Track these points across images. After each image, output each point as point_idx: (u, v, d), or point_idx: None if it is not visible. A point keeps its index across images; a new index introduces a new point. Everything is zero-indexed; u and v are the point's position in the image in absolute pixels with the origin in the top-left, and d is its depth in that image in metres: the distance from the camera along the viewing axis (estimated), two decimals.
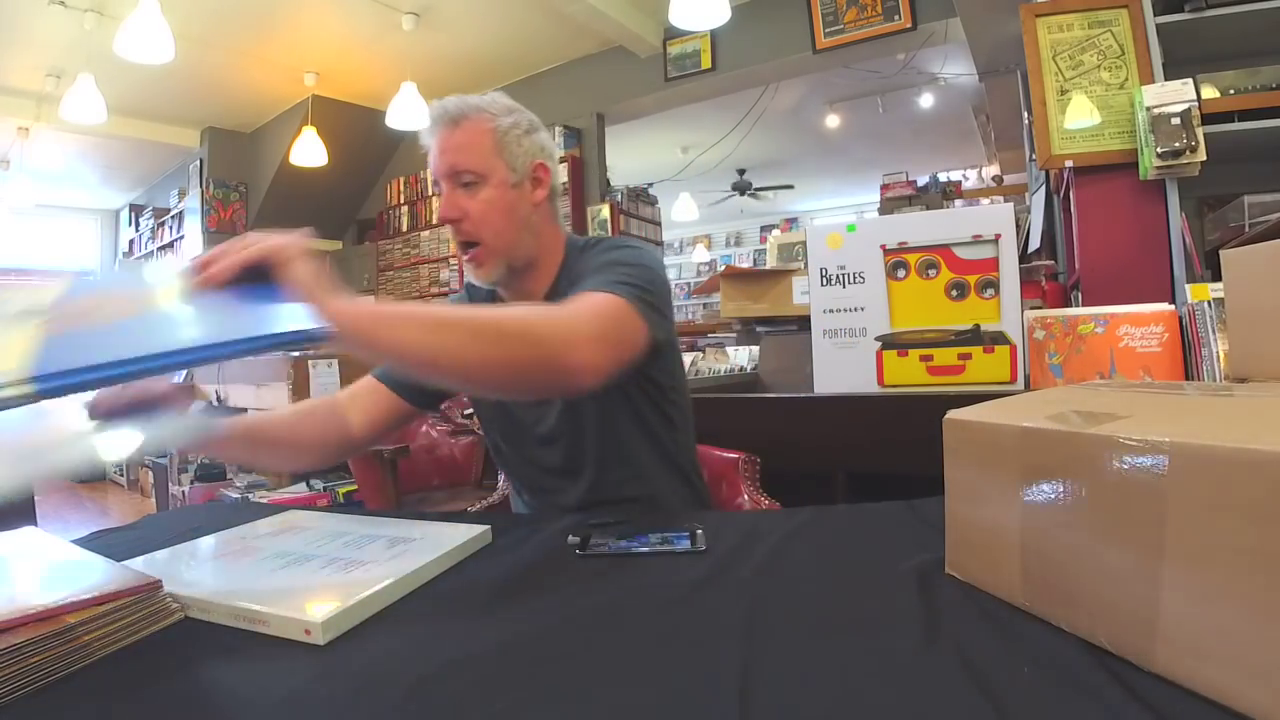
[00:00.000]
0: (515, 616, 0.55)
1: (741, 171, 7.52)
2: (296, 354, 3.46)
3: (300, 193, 5.70)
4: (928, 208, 3.55)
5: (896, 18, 3.60)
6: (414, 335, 0.64)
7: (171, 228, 6.38)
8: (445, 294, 5.45)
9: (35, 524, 0.87)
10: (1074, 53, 2.06)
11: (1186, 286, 1.37)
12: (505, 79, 5.00)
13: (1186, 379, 1.26)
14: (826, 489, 1.40)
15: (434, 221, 5.56)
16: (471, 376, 0.68)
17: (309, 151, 4.75)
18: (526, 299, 1.00)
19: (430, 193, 5.75)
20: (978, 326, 1.33)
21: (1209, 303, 1.23)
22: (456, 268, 5.36)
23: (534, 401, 1.00)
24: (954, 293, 1.34)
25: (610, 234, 4.75)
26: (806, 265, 1.44)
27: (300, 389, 3.35)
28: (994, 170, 5.75)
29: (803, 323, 1.54)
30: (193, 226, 5.87)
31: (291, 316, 0.59)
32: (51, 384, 0.45)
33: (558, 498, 1.02)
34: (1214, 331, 1.22)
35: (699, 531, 0.70)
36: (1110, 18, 2.03)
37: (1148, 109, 1.86)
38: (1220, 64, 1.97)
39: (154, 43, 3.11)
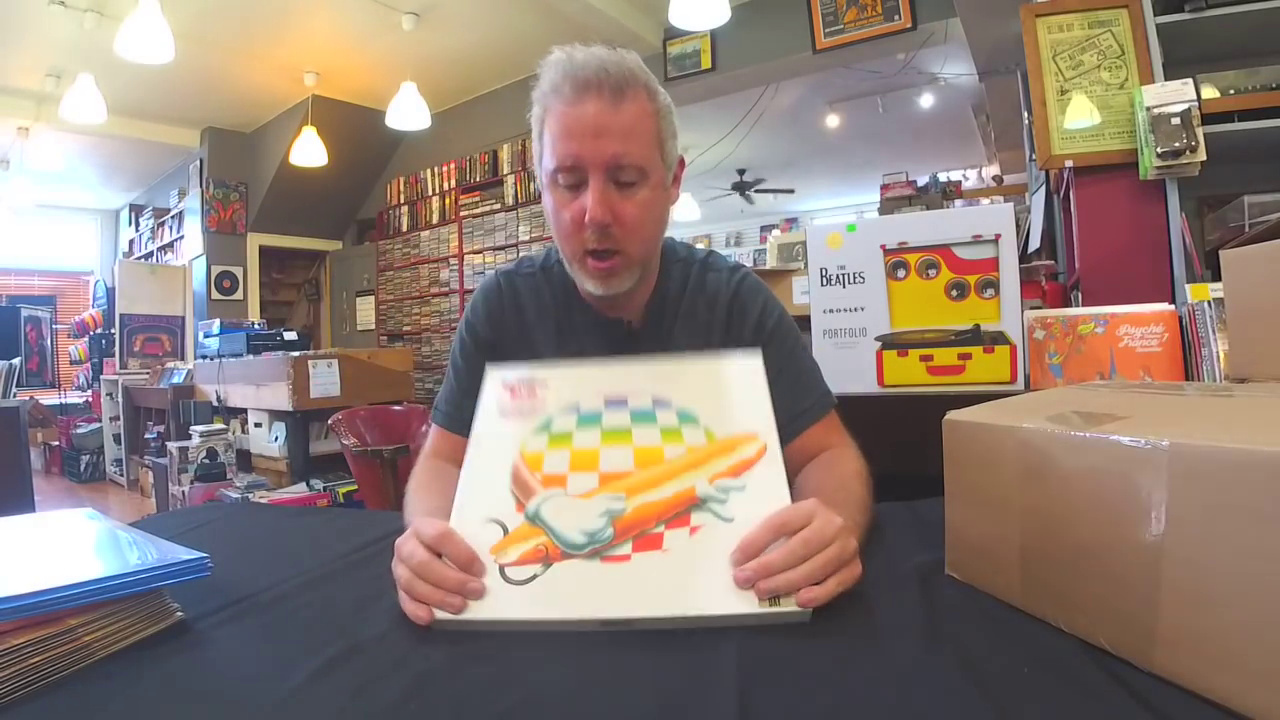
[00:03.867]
0: None
1: (741, 172, 7.51)
2: (296, 354, 3.46)
3: (300, 193, 5.69)
4: (928, 208, 3.55)
5: (896, 18, 3.60)
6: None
7: (171, 228, 6.38)
8: (444, 294, 5.43)
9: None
10: (1074, 53, 2.06)
11: (1186, 286, 1.37)
12: (505, 79, 5.00)
13: (1186, 379, 1.26)
14: None
15: (433, 221, 5.55)
16: None
17: (309, 151, 4.75)
18: (628, 314, 0.87)
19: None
20: (978, 326, 1.32)
21: (1209, 303, 1.23)
22: (456, 268, 5.33)
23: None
24: (954, 293, 1.34)
25: None
26: (806, 265, 1.44)
27: (300, 388, 3.35)
28: (994, 170, 5.76)
29: (803, 323, 1.53)
30: (193, 226, 5.87)
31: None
32: None
33: None
34: (1214, 331, 1.22)
35: None
36: (1110, 18, 2.02)
37: (1148, 109, 1.86)
38: (1220, 64, 1.96)
39: (154, 43, 3.11)
